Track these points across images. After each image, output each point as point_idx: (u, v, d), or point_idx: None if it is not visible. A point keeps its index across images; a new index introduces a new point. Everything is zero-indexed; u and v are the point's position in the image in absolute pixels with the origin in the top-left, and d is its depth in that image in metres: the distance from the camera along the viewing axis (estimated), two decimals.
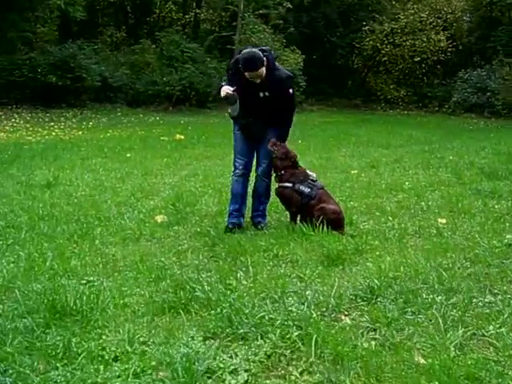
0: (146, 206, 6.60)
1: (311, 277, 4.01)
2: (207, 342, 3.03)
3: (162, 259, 4.51)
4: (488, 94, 27.64)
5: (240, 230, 5.45)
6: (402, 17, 33.74)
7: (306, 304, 3.47)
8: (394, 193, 7.16)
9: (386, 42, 34.09)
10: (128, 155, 11.39)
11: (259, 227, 5.61)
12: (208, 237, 5.21)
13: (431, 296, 3.60)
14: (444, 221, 5.57)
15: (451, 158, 10.70)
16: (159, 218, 5.90)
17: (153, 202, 6.80)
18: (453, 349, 2.91)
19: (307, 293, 3.67)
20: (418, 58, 33.75)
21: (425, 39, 33.31)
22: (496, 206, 6.32)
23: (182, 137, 14.89)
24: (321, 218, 5.18)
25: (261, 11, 29.27)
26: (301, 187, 5.41)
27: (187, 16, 31.10)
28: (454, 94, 30.00)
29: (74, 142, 14.28)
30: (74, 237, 5.19)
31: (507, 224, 5.52)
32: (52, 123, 18.93)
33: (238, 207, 5.68)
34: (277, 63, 5.49)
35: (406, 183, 7.74)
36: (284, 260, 4.45)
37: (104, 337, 3.07)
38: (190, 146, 13.12)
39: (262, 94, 5.38)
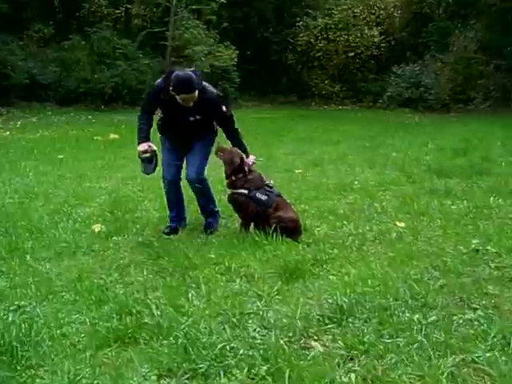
0: (81, 213, 6.13)
1: (270, 294, 3.70)
2: (162, 382, 2.67)
3: (103, 276, 4.11)
4: (421, 88, 28.08)
5: (186, 240, 5.12)
6: (336, 12, 33.96)
7: (269, 328, 3.16)
8: (344, 193, 6.94)
9: (320, 37, 34.22)
10: (60, 157, 10.76)
11: (208, 231, 5.35)
12: (151, 248, 4.83)
13: (407, 314, 3.32)
14: (403, 224, 5.37)
15: (394, 154, 10.64)
16: (96, 228, 5.47)
17: (88, 209, 6.33)
18: (445, 380, 2.63)
19: (269, 314, 3.36)
20: (352, 53, 34.02)
21: (358, 34, 33.64)
22: (453, 207, 6.18)
23: (117, 136, 14.30)
24: (277, 226, 4.90)
25: (194, 6, 28.77)
26: (257, 194, 5.10)
27: (118, 11, 30.13)
28: (387, 88, 30.41)
29: (1, 143, 13.44)
30: (2, 252, 4.69)
31: (469, 227, 5.35)
32: None
33: (175, 213, 5.56)
34: (203, 82, 5.25)
35: (355, 182, 7.56)
36: (238, 274, 4.11)
37: (39, 380, 2.66)
38: (125, 145, 12.53)
39: (192, 118, 5.20)
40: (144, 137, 5.25)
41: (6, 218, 5.87)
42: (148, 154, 5.18)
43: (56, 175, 8.66)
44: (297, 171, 8.69)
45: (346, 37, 33.84)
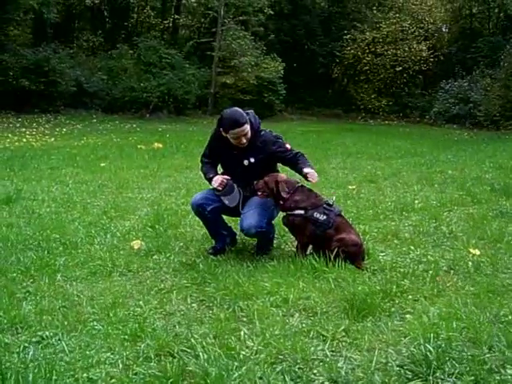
0: (120, 227, 5.65)
1: (336, 335, 3.11)
2: None
3: (140, 303, 3.60)
4: (470, 104, 27.27)
5: (236, 262, 4.54)
6: (384, 26, 33.45)
7: (339, 382, 2.59)
8: (406, 214, 6.26)
9: (367, 50, 33.82)
10: (102, 165, 10.41)
11: (260, 254, 4.81)
12: (196, 271, 4.29)
13: (509, 371, 2.69)
14: (477, 252, 4.68)
15: (450, 172, 9.91)
16: (136, 244, 4.98)
17: (128, 223, 5.86)
18: None
19: (339, 364, 2.77)
20: (400, 68, 33.44)
21: (406, 49, 33.06)
22: None
23: (161, 145, 13.96)
24: (338, 250, 4.33)
25: (241, 17, 28.56)
26: (315, 214, 4.52)
27: (166, 21, 30.08)
28: (435, 104, 29.76)
29: (45, 149, 13.24)
30: (31, 269, 4.24)
31: None
32: (23, 129, 17.83)
33: (218, 238, 5.01)
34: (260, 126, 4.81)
35: (416, 201, 6.88)
36: (296, 307, 3.53)
37: None
38: (169, 155, 12.19)
39: (246, 162, 4.73)
40: (213, 172, 4.85)
41: (40, 229, 5.44)
42: (226, 187, 4.67)
43: (96, 184, 8.28)
44: (350, 187, 8.06)
45: (394, 51, 33.30)
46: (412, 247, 4.88)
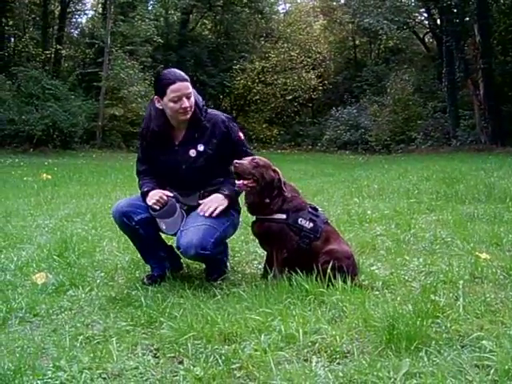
0: (14, 258, 4.23)
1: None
2: None
3: (62, 363, 2.27)
4: (361, 130, 27.81)
5: (191, 291, 3.27)
6: (273, 55, 33.85)
7: None
8: (366, 224, 5.23)
9: (257, 80, 33.89)
10: None
11: (212, 278, 3.61)
12: (134, 307, 3.03)
13: None
14: (487, 256, 3.71)
15: (376, 186, 9.13)
16: (40, 278, 3.59)
17: (25, 253, 4.44)
18: None
19: None
20: (290, 97, 33.78)
21: (296, 77, 33.45)
22: None
23: (50, 176, 12.33)
24: (334, 264, 3.23)
25: (128, 47, 27.36)
26: (299, 220, 3.42)
27: (47, 52, 28.14)
28: (326, 131, 30.21)
29: None
30: None
31: None
32: None
33: (153, 261, 3.75)
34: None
35: (368, 212, 5.94)
36: (307, 347, 2.36)
37: None
38: (63, 184, 10.62)
39: (193, 152, 3.56)
40: (150, 185, 3.59)
41: None
42: (165, 207, 3.43)
43: None
44: None
45: (284, 80, 33.62)
46: (407, 257, 3.89)
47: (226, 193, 3.50)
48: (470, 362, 2.20)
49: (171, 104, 3.43)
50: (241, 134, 3.67)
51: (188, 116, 3.49)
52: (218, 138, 3.56)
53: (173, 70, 3.55)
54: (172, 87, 3.39)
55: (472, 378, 2.05)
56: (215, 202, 3.46)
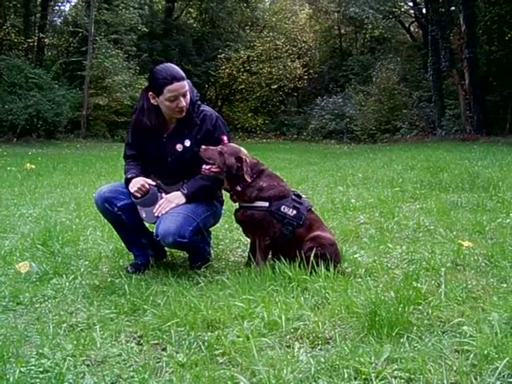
0: None
1: (381, 369, 2.01)
2: None
3: (46, 350, 2.28)
4: (346, 120, 27.81)
5: (175, 279, 3.28)
6: (258, 44, 33.68)
7: None
8: (350, 212, 5.29)
9: (242, 69, 33.74)
10: None
11: (196, 265, 3.62)
12: (118, 295, 3.04)
13: None
14: (469, 243, 3.78)
15: (361, 175, 9.18)
16: (23, 267, 3.57)
17: (8, 242, 4.42)
18: None
19: None
20: (275, 86, 33.58)
21: (281, 66, 33.32)
22: (505, 222, 4.67)
23: (33, 166, 12.22)
24: (318, 252, 3.26)
25: (112, 36, 27.08)
26: (282, 208, 3.44)
27: (30, 40, 27.82)
28: (311, 121, 30.08)
29: None
30: None
31: None
32: None
33: (136, 248, 3.77)
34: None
35: (352, 200, 5.97)
36: (290, 333, 2.38)
37: None
38: (47, 174, 10.54)
39: (180, 147, 3.57)
40: (135, 172, 3.59)
41: None
42: (146, 195, 3.45)
43: None
44: None
45: (269, 69, 33.46)
46: (390, 245, 3.92)
47: (185, 192, 3.52)
48: (450, 347, 2.23)
49: (167, 103, 3.43)
50: (225, 137, 3.63)
51: (184, 114, 3.51)
52: (202, 134, 3.57)
53: (169, 66, 3.49)
54: (169, 87, 3.39)
55: (452, 362, 2.09)
56: (172, 202, 3.48)
